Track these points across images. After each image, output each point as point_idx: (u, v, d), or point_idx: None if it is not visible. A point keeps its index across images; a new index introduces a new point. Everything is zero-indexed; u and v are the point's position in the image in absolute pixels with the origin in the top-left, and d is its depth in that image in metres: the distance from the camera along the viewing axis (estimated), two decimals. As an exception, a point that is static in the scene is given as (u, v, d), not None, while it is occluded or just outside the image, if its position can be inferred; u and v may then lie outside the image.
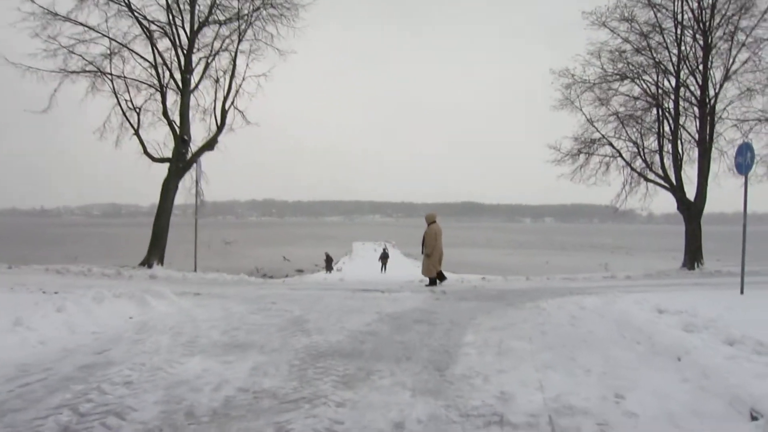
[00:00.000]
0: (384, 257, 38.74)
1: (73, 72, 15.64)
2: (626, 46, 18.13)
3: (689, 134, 18.23)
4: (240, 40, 16.95)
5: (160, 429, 3.52)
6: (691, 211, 17.79)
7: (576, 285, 13.11)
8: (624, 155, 19.04)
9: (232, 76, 17.06)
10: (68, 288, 9.86)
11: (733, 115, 17.71)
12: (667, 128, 18.38)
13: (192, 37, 16.43)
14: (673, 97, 18.14)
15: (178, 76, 16.55)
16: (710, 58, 17.36)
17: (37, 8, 14.67)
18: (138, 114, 16.67)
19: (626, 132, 18.99)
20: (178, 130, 16.42)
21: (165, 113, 16.53)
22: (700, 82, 17.53)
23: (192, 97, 16.92)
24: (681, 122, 18.10)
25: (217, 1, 16.61)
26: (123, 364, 5.01)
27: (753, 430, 3.50)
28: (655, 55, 17.93)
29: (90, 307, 7.39)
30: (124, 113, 16.58)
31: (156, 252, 15.98)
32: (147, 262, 15.73)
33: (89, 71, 15.94)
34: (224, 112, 17.10)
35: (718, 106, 17.60)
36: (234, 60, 17.06)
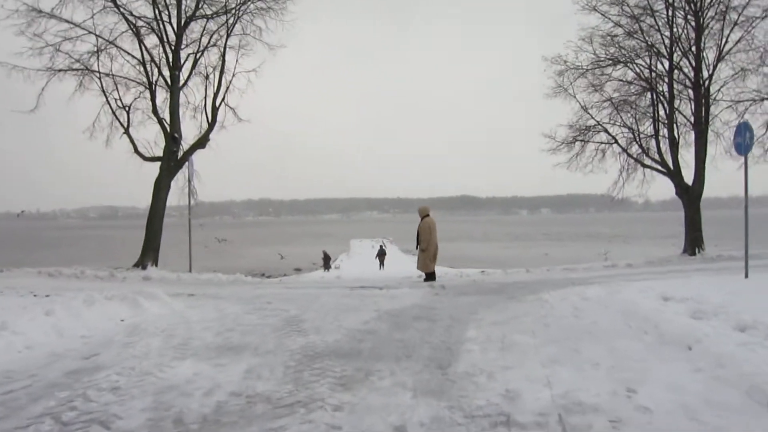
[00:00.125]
0: (381, 254, 38.57)
1: (60, 70, 15.33)
2: (618, 30, 17.88)
3: (685, 117, 18.02)
4: (228, 35, 16.67)
5: (145, 439, 3.33)
6: (690, 195, 17.60)
7: (577, 275, 12.91)
8: (620, 141, 18.80)
9: (222, 72, 16.78)
10: (59, 291, 9.64)
11: (727, 96, 17.48)
12: (662, 112, 18.14)
13: (179, 33, 16.12)
14: (666, 80, 17.88)
15: (166, 73, 16.25)
16: (703, 38, 17.10)
17: (21, 5, 14.36)
18: (128, 112, 16.38)
19: (621, 118, 18.77)
20: (168, 128, 16.15)
21: (155, 111, 16.25)
22: (694, 64, 17.30)
23: (182, 95, 16.64)
24: (676, 105, 17.84)
25: (204, -5, 16.32)
26: (111, 369, 4.82)
27: (774, 421, 3.31)
28: (647, 38, 17.69)
29: (80, 310, 7.18)
30: (113, 112, 16.29)
31: (150, 253, 15.73)
32: (141, 264, 15.48)
33: (76, 69, 15.64)
34: (215, 109, 16.83)
35: (713, 88, 17.37)
36: (223, 55, 16.78)
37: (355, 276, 20.13)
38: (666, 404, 3.70)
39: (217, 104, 16.86)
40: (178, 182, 16.51)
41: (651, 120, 18.36)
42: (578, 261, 18.39)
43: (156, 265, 15.68)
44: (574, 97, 18.73)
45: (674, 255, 17.73)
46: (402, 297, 9.31)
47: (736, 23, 16.62)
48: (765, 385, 3.72)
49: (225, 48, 16.76)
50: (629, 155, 18.77)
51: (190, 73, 16.70)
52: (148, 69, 16.24)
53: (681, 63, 17.61)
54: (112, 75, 16.19)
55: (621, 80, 18.66)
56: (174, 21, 16.10)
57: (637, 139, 18.57)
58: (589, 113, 18.82)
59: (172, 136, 16.06)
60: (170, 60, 16.24)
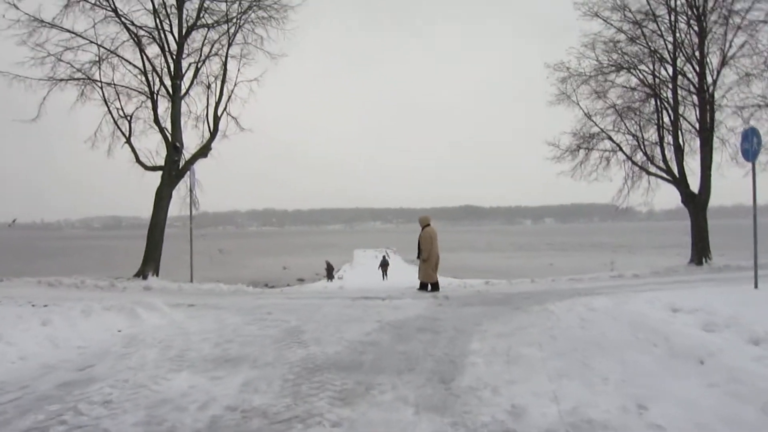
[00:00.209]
0: (384, 264, 38.39)
1: (61, 80, 15.31)
2: (620, 35, 17.70)
3: (689, 124, 17.79)
4: (230, 44, 16.63)
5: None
6: (696, 203, 17.38)
7: (583, 286, 12.72)
8: (624, 149, 18.61)
9: (224, 82, 16.74)
10: (58, 301, 9.51)
11: (732, 102, 17.28)
12: (666, 119, 17.93)
13: (181, 42, 16.10)
14: (671, 86, 17.69)
15: (168, 82, 16.21)
16: (706, 43, 16.89)
17: (22, 15, 14.35)
18: (129, 122, 16.34)
19: (625, 125, 18.58)
20: (170, 138, 16.09)
21: (156, 120, 16.20)
22: (698, 69, 17.10)
23: (184, 104, 16.59)
24: (680, 112, 17.64)
25: (205, 5, 16.29)
26: (104, 381, 4.69)
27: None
28: (650, 43, 17.52)
29: (77, 321, 7.09)
30: (115, 121, 16.25)
31: (151, 263, 15.61)
32: (142, 274, 15.36)
33: (78, 79, 15.63)
34: (216, 118, 16.77)
35: (717, 93, 17.17)
36: (224, 65, 16.74)
37: (359, 286, 19.96)
38: (679, 422, 3.55)
39: (219, 113, 16.81)
40: (180, 192, 16.46)
41: (655, 127, 18.17)
42: (583, 271, 18.22)
43: (157, 275, 15.56)
44: (578, 104, 18.58)
45: (680, 265, 17.51)
46: (405, 307, 9.15)
47: (739, 27, 16.44)
48: (782, 402, 3.56)
49: (226, 57, 16.74)
50: (634, 163, 18.58)
51: (192, 83, 16.67)
52: (150, 78, 16.22)
53: (685, 68, 17.43)
54: (114, 84, 16.17)
55: (624, 87, 18.47)
56: (175, 30, 16.09)
57: (642, 147, 18.38)
58: (592, 120, 18.67)
59: (174, 146, 15.99)
60: (172, 69, 16.21)
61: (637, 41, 17.59)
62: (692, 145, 17.90)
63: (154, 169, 16.31)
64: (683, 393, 4.04)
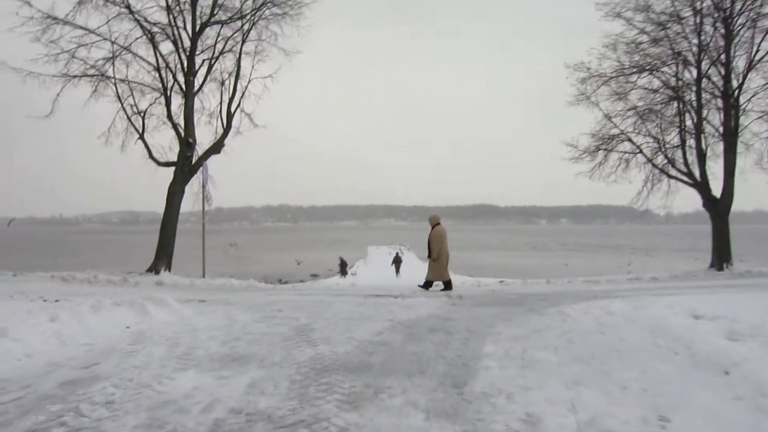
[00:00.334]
0: (397, 261, 38.27)
1: (75, 76, 15.36)
2: (643, 37, 17.35)
3: (713, 127, 17.45)
4: (244, 41, 16.61)
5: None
6: (718, 208, 17.01)
7: (600, 288, 12.46)
8: (644, 151, 18.28)
9: (237, 78, 16.72)
10: (70, 296, 9.51)
11: (758, 107, 16.87)
12: (689, 122, 17.59)
13: (194, 39, 16.09)
14: (694, 88, 17.31)
15: (181, 78, 16.23)
16: (732, 47, 16.53)
17: (35, 12, 14.40)
18: (143, 118, 16.38)
19: (646, 127, 18.26)
20: (182, 134, 16.08)
21: (169, 117, 16.22)
22: (723, 73, 16.71)
23: (197, 100, 16.60)
24: (704, 115, 17.29)
25: (219, 1, 16.25)
26: (108, 380, 4.58)
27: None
28: (673, 45, 17.16)
29: (86, 317, 7.01)
30: (128, 118, 16.29)
31: (163, 258, 15.63)
32: (154, 269, 15.39)
33: (92, 75, 15.66)
34: (230, 115, 16.74)
35: (743, 98, 16.79)
36: (238, 61, 16.70)
37: (371, 283, 19.87)
38: (704, 436, 3.35)
39: (233, 110, 16.79)
40: (193, 187, 16.47)
41: (677, 130, 17.81)
42: (599, 273, 17.93)
43: (169, 270, 15.57)
44: (597, 105, 18.31)
45: (700, 269, 17.16)
46: (417, 306, 8.98)
47: (767, 32, 16.07)
48: (815, 417, 3.36)
49: (240, 54, 16.71)
50: (654, 165, 18.22)
51: (205, 79, 16.67)
52: (163, 75, 16.25)
53: (709, 71, 17.05)
54: (128, 81, 16.22)
55: (646, 88, 18.11)
56: (189, 27, 16.11)
57: (663, 149, 18.03)
58: (612, 122, 18.36)
59: (187, 142, 15.99)
60: (185, 66, 16.21)
61: (660, 43, 17.21)
62: (714, 149, 17.53)
63: (167, 164, 16.33)
64: (707, 405, 3.85)
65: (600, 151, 18.48)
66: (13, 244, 71.05)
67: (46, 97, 15.35)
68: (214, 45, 16.61)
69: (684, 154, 17.64)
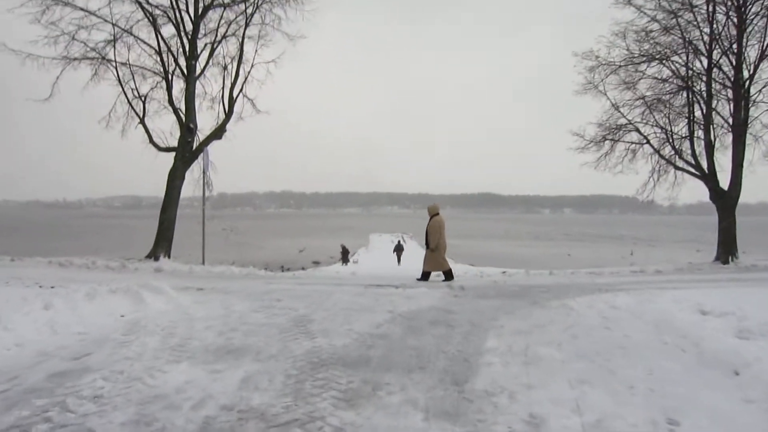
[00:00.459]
0: (399, 249, 38.12)
1: (75, 59, 15.18)
2: (653, 25, 17.05)
3: (722, 118, 17.17)
4: (247, 24, 16.36)
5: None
6: (725, 200, 16.79)
7: (603, 280, 12.29)
8: (652, 142, 18.05)
9: (240, 62, 16.50)
10: (66, 282, 9.39)
11: None
12: (698, 112, 17.31)
13: (196, 22, 15.85)
14: (704, 78, 17.02)
15: (183, 62, 16.03)
16: (745, 36, 16.19)
17: None
18: (143, 102, 16.22)
19: (654, 117, 18.01)
20: (183, 119, 15.89)
21: (170, 101, 16.03)
22: (734, 63, 16.41)
23: (199, 85, 16.43)
24: (713, 106, 17.01)
25: (222, -17, 15.99)
26: (99, 372, 4.45)
27: None
28: (684, 34, 16.84)
29: (80, 304, 6.87)
30: (129, 102, 16.14)
31: (163, 244, 15.51)
32: (153, 255, 15.27)
33: (92, 58, 15.46)
34: (232, 100, 16.54)
35: (753, 88, 16.51)
36: (241, 45, 16.48)
37: (373, 272, 19.75)
38: (715, 441, 3.20)
39: (235, 95, 16.60)
40: (194, 173, 16.30)
41: (686, 120, 17.54)
42: (602, 263, 17.79)
43: (169, 257, 15.46)
44: (605, 94, 18.08)
45: (705, 262, 16.96)
46: (419, 297, 8.82)
47: None
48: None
49: (243, 38, 16.49)
50: (661, 156, 17.99)
51: (207, 63, 16.49)
52: (165, 58, 16.03)
53: (720, 61, 16.74)
54: (128, 64, 16.02)
55: (655, 78, 17.85)
56: (191, 10, 15.87)
57: (671, 140, 17.78)
58: (620, 111, 18.13)
59: (188, 127, 15.81)
60: (187, 49, 15.99)
61: (671, 31, 16.88)
62: (723, 141, 17.29)
63: (167, 150, 16.16)
64: (717, 407, 3.69)
65: (606, 141, 18.27)
66: (16, 227, 71.23)
67: (46, 80, 15.18)
68: (217, 28, 16.40)
69: (692, 145, 17.40)
